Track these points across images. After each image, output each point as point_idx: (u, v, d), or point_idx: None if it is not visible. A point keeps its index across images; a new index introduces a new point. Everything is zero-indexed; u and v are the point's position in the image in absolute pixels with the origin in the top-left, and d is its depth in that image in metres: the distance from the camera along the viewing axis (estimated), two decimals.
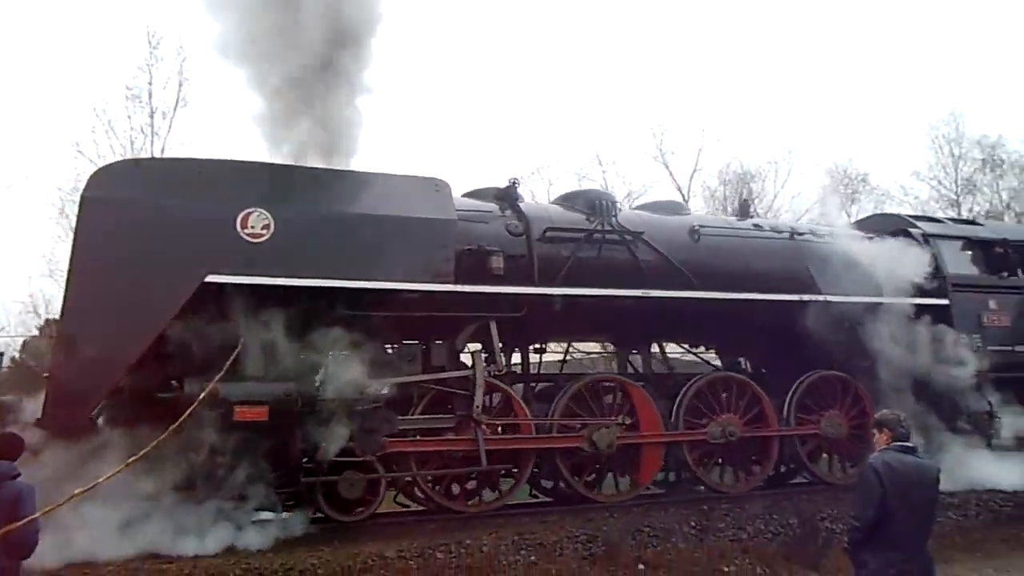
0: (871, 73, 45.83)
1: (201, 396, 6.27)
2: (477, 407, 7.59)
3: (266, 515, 7.04)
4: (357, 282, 7.04)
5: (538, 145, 45.67)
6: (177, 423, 6.10)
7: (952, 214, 28.53)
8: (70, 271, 6.52)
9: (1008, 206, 30.74)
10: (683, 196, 28.20)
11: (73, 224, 17.88)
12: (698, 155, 29.81)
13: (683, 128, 41.47)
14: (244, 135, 40.94)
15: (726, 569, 7.06)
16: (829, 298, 9.17)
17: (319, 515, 7.39)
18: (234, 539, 6.64)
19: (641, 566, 6.84)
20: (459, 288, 7.38)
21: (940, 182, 31.29)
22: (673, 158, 29.09)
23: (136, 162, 7.08)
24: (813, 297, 9.00)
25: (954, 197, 30.88)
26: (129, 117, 19.32)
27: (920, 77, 44.78)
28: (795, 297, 8.96)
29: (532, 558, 6.65)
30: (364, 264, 7.19)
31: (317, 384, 6.92)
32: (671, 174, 29.06)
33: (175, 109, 19.51)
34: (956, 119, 31.09)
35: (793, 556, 7.34)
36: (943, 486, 8.72)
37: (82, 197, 6.69)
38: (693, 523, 7.55)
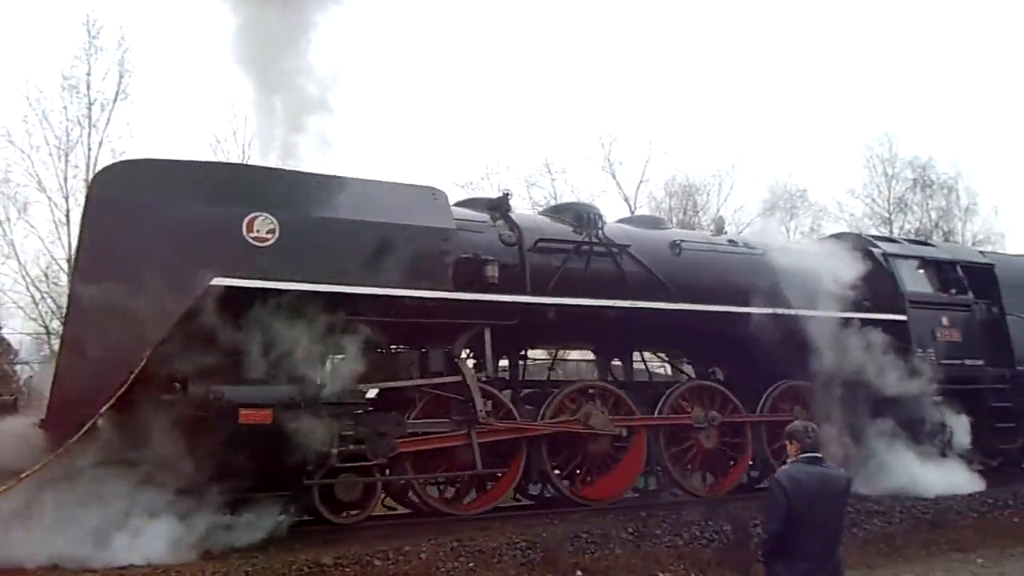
0: (811, 93, 47.92)
1: (112, 400, 6.25)
2: (481, 411, 7.79)
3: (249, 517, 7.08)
4: (361, 288, 7.15)
5: (487, 149, 46.11)
6: (77, 436, 6.09)
7: (884, 231, 29.38)
8: (75, 271, 6.48)
9: (937, 225, 32.07)
10: (630, 207, 28.65)
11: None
12: (645, 166, 30.22)
13: (631, 139, 42.18)
14: (187, 133, 39.98)
15: (661, 575, 7.20)
16: (800, 312, 9.67)
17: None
18: (229, 540, 6.69)
19: (579, 572, 6.95)
20: (462, 296, 7.58)
21: (874, 200, 32.69)
22: (621, 168, 29.55)
23: (143, 162, 7.02)
24: (787, 311, 9.47)
25: (887, 215, 32.13)
26: (65, 107, 18.75)
27: (857, 99, 47.01)
28: (771, 310, 9.39)
29: (471, 564, 6.69)
30: (366, 270, 7.32)
31: (320, 387, 7.02)
32: (618, 184, 29.47)
33: (115, 101, 19.01)
34: (890, 140, 32.47)
35: (726, 562, 7.51)
36: (877, 490, 9.51)
37: (88, 196, 6.66)
38: (631, 529, 7.67)
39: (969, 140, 52.96)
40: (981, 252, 12.36)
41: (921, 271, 11.18)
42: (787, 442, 4.59)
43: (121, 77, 19.14)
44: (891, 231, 30.13)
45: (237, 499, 6.79)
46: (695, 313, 9.06)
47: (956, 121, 47.09)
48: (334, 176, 7.62)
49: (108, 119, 18.96)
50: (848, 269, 10.42)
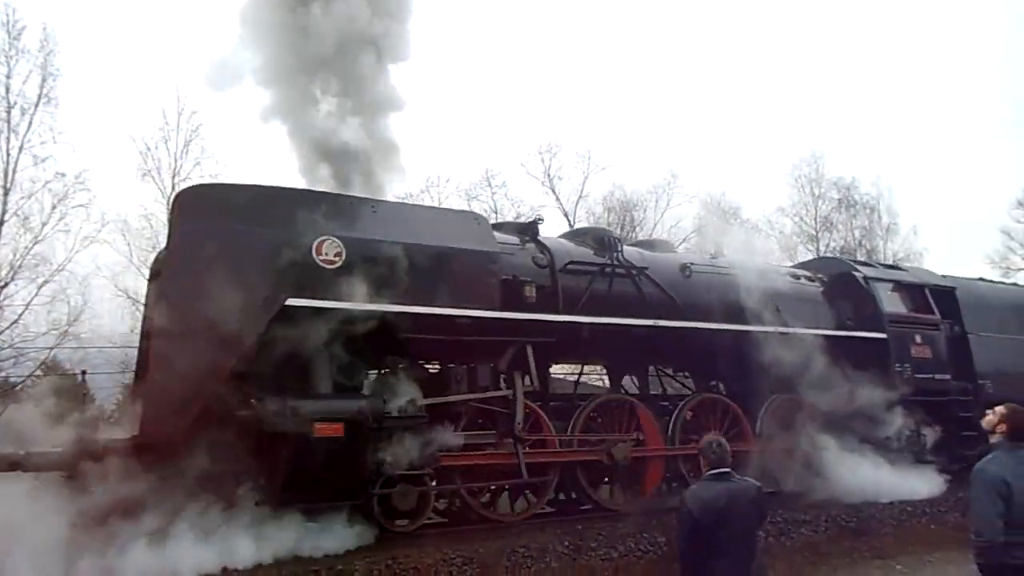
0: (746, 113, 50.31)
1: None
2: (518, 424, 8.31)
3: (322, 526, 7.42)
4: (426, 308, 7.60)
5: (428, 160, 46.33)
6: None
7: (812, 249, 30.96)
8: (163, 290, 6.75)
9: (860, 243, 33.34)
10: (569, 221, 28.77)
11: None
12: (584, 181, 30.66)
13: (571, 154, 40.93)
14: (113, 137, 39.07)
15: None
16: (795, 331, 10.53)
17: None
18: (297, 547, 7.03)
19: None
20: (517, 316, 8.17)
21: (802, 218, 34.04)
22: (560, 183, 29.99)
23: (220, 186, 7.35)
24: (786, 329, 10.32)
25: (814, 232, 33.29)
26: None
27: (787, 119, 49.57)
28: (772, 329, 10.25)
29: None
30: (423, 291, 7.77)
31: (384, 402, 7.44)
32: (558, 199, 29.87)
33: (36, 105, 18.28)
34: (816, 161, 33.82)
35: (659, 574, 7.56)
36: (852, 495, 10.24)
37: (171, 219, 6.92)
38: (567, 543, 7.71)
39: (890, 162, 56.63)
40: (944, 276, 13.55)
41: (895, 293, 12.26)
42: (701, 459, 4.74)
43: (44, 80, 18.48)
44: (818, 249, 31.57)
45: (310, 508, 7.14)
46: (709, 331, 9.80)
47: (878, 143, 50.28)
48: (390, 201, 8.07)
49: (29, 124, 18.27)
50: (833, 291, 11.43)
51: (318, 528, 7.07)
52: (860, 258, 28.81)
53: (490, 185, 28.92)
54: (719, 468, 4.50)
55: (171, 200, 7.15)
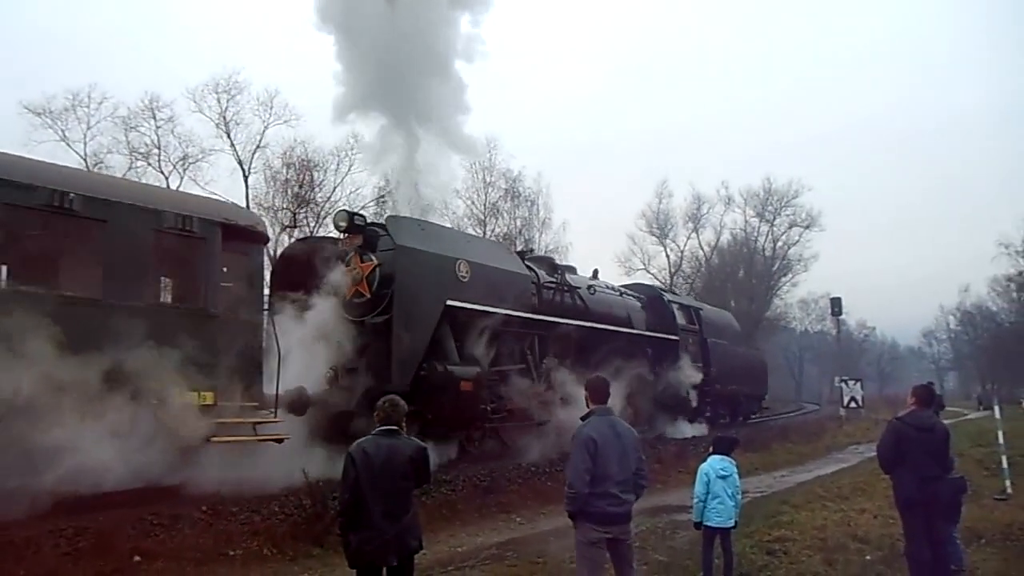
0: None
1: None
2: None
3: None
4: (517, 312, 11.90)
5: (73, 72, 40.79)
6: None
7: (480, 231, 33.37)
8: (395, 291, 10.13)
9: (520, 232, 36.32)
10: (244, 171, 27.74)
11: None
12: (263, 131, 29.05)
13: (250, 99, 31.59)
14: None
15: (232, 552, 6.97)
16: (642, 332, 16.74)
17: None
18: None
19: (137, 557, 6.48)
20: (543, 318, 12.77)
21: (473, 202, 35.78)
22: (237, 128, 28.17)
23: (409, 219, 10.77)
24: (666, 336, 16.46)
25: (482, 217, 35.42)
26: None
27: (471, 103, 53.93)
28: (636, 331, 16.26)
29: None
30: (502, 299, 12.00)
31: (487, 370, 11.60)
32: (233, 145, 28.01)
33: None
34: (491, 149, 35.67)
35: (301, 535, 7.52)
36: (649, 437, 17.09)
37: (397, 245, 10.25)
38: (205, 508, 7.47)
39: (550, 161, 65.48)
40: (693, 299, 21.09)
41: (680, 311, 19.30)
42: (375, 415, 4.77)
43: None
44: (485, 232, 33.85)
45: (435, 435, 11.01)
46: (628, 335, 15.40)
47: (543, 143, 57.00)
48: (485, 239, 12.15)
49: None
50: (654, 308, 18.01)
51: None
52: (519, 246, 35.12)
53: (154, 117, 26.35)
54: (387, 425, 4.59)
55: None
